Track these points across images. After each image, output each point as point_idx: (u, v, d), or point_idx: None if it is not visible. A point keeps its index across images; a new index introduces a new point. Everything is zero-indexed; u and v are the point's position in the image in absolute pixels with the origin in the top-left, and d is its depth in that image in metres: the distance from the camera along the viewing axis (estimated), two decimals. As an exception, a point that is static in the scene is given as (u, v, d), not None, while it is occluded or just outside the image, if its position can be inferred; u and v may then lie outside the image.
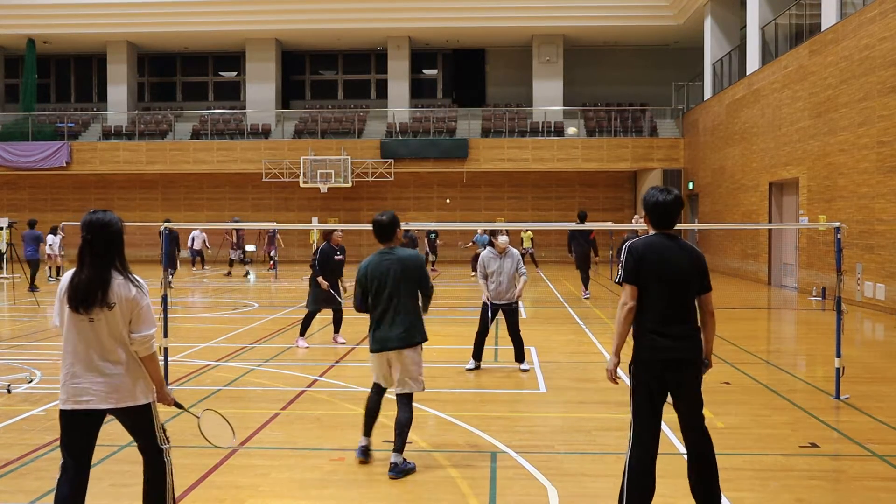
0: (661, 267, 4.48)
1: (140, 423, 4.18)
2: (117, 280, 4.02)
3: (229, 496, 5.23)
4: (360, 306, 6.01)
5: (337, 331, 11.54)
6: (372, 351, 5.96)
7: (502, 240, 9.31)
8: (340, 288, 11.43)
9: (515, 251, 9.49)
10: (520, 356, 9.48)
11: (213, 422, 4.72)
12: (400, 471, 5.61)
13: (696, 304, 4.60)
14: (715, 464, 4.58)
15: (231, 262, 25.62)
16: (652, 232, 4.66)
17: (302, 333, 11.24)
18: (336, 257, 11.26)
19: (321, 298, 11.18)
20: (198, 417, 4.73)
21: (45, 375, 9.06)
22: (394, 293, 5.85)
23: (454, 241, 30.58)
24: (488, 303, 9.35)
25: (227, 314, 15.18)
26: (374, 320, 5.91)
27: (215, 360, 10.07)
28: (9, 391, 8.18)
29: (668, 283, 4.47)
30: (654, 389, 4.48)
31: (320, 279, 11.10)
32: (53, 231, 22.48)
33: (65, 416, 4.04)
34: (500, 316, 9.54)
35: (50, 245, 21.87)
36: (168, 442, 4.31)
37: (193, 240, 26.31)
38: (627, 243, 4.64)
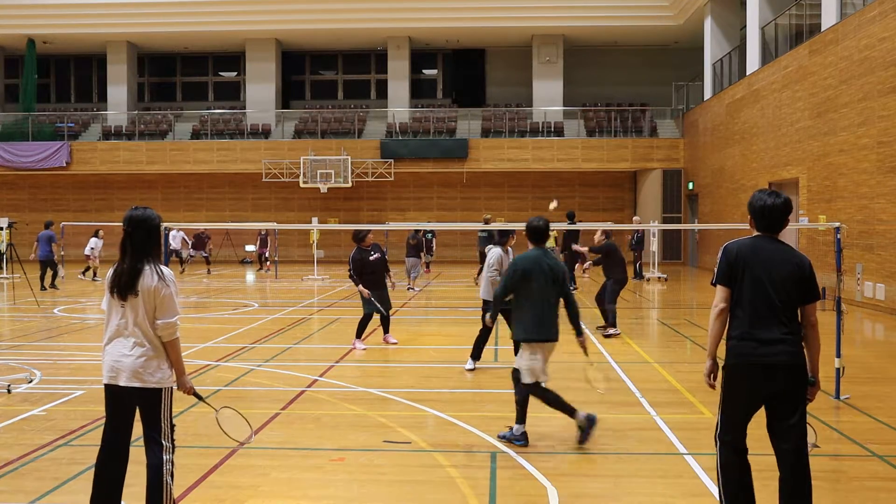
0: (754, 270, 4.28)
1: (150, 407, 4.37)
2: (146, 270, 4.33)
3: (229, 496, 5.23)
4: (502, 295, 6.54)
5: (386, 331, 11.37)
6: (538, 341, 6.42)
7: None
8: (389, 284, 11.22)
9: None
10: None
11: (230, 417, 4.92)
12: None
13: (800, 313, 4.34)
14: (808, 489, 4.27)
15: (189, 260, 26.25)
16: (755, 234, 4.46)
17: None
18: (371, 258, 10.86)
19: (374, 299, 10.90)
20: (216, 410, 4.88)
21: (45, 375, 9.06)
22: (547, 291, 6.36)
23: (454, 242, 30.59)
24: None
25: (227, 314, 15.18)
26: (533, 314, 6.37)
27: (215, 361, 10.07)
28: (9, 391, 8.17)
29: (759, 286, 4.26)
30: (742, 398, 4.31)
31: (360, 288, 10.77)
32: (96, 234, 22.74)
33: (105, 389, 4.43)
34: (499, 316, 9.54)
35: (92, 248, 22.22)
36: (171, 441, 4.40)
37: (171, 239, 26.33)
38: (724, 245, 4.47)
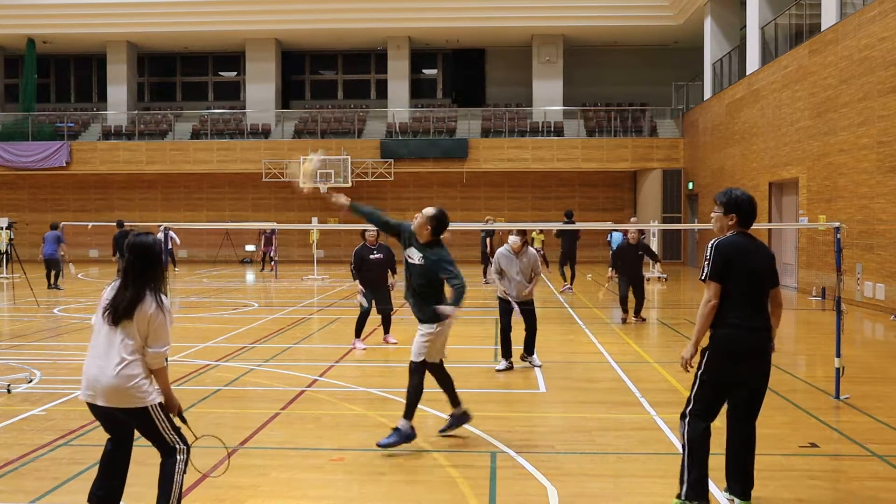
0: (745, 265, 4.77)
1: (143, 425, 4.37)
2: (147, 297, 4.32)
3: (229, 496, 5.24)
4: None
5: (387, 331, 11.42)
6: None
7: (512, 239, 9.42)
8: (390, 282, 11.23)
9: (533, 251, 9.59)
10: (530, 347, 9.57)
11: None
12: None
13: (769, 296, 4.92)
14: (753, 451, 4.92)
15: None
16: (731, 232, 4.89)
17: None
18: (372, 257, 10.96)
19: (370, 298, 10.96)
20: (196, 439, 4.73)
21: (45, 375, 9.06)
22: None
23: (454, 241, 30.59)
24: (506, 298, 9.43)
25: (227, 314, 15.18)
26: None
27: (215, 360, 10.07)
28: (9, 391, 8.18)
29: (750, 280, 4.78)
30: (725, 379, 4.82)
31: (357, 284, 10.96)
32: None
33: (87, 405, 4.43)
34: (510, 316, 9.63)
35: None
36: (183, 443, 4.43)
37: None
38: (714, 242, 4.87)
